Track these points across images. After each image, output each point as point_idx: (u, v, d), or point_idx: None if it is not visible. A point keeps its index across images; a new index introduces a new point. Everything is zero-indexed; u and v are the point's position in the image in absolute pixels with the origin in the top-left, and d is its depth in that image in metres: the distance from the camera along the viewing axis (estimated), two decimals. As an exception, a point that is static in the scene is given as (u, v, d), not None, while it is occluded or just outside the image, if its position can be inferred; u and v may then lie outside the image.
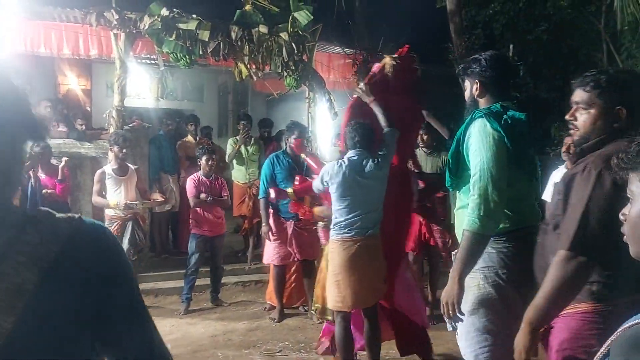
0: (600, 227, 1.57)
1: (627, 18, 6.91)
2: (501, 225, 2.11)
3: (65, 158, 5.45)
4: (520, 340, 1.71)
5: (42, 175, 5.39)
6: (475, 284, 2.15)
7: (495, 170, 2.04)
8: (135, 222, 5.20)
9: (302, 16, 6.36)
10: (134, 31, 5.99)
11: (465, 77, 2.35)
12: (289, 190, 4.41)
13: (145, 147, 6.54)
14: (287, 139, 5.02)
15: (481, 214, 2.03)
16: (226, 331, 4.74)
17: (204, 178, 5.33)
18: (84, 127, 6.60)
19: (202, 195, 5.21)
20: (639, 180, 1.03)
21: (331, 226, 3.53)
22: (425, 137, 4.92)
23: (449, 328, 2.28)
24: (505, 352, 1.90)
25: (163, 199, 5.64)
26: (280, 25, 6.39)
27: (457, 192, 2.35)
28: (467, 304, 2.14)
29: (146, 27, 5.92)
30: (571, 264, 1.60)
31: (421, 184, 4.14)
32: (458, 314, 2.07)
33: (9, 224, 0.85)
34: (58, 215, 0.91)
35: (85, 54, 6.54)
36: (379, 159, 3.45)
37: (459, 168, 2.25)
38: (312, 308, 4.64)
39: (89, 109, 9.01)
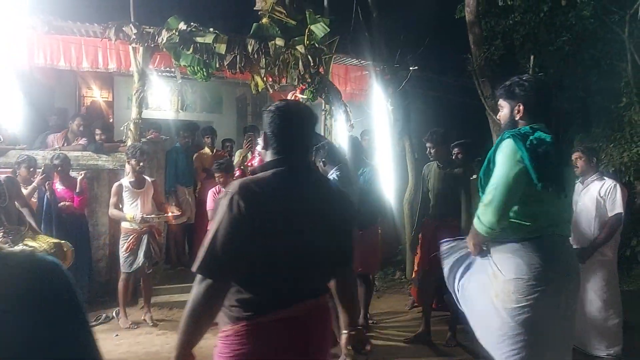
0: (225, 250, 1.61)
1: (653, 27, 6.74)
2: (532, 234, 2.33)
3: (84, 171, 5.50)
4: None
5: (59, 188, 5.45)
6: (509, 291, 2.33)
7: (505, 185, 2.27)
8: (151, 235, 5.20)
9: (319, 29, 6.35)
10: (152, 45, 6.04)
11: (503, 98, 2.53)
12: None
13: (162, 159, 6.58)
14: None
15: (481, 218, 2.34)
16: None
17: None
18: (103, 137, 6.68)
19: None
20: None
21: None
22: (433, 151, 4.78)
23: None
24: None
25: (179, 213, 5.65)
26: (296, 38, 6.38)
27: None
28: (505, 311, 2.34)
29: (164, 41, 5.97)
30: (201, 286, 1.63)
31: None
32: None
33: None
34: (6, 250, 0.88)
35: (104, 67, 6.63)
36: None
37: (485, 184, 2.42)
38: None
39: (111, 120, 9.14)
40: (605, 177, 4.53)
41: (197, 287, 1.65)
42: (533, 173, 2.23)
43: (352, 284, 2.02)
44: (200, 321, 1.66)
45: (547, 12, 7.88)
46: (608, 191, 4.38)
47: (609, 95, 8.12)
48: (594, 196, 4.41)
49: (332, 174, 3.95)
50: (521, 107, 2.44)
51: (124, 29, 5.94)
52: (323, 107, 6.90)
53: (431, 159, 4.89)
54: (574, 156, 4.54)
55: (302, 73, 6.40)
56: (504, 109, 2.53)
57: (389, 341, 4.93)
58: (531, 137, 2.29)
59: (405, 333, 5.01)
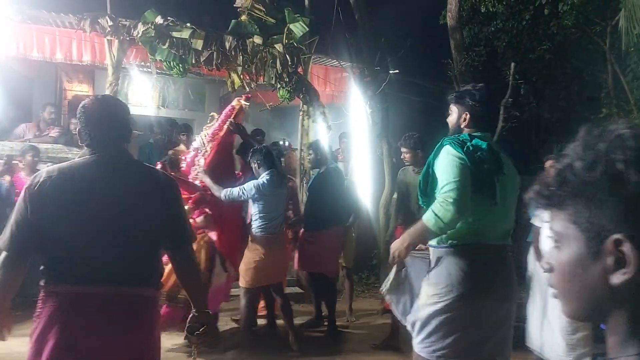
0: (15, 228, 1.86)
1: (633, 40, 6.76)
2: (458, 241, 2.40)
3: (49, 163, 5.38)
4: None
5: (26, 179, 5.33)
6: (435, 300, 2.41)
7: (461, 182, 2.32)
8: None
9: (298, 28, 6.30)
10: (128, 38, 5.96)
11: (453, 104, 2.60)
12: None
13: (135, 155, 6.47)
14: None
15: (438, 215, 2.30)
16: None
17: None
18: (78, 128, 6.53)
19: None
20: (567, 220, 0.76)
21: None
22: (407, 156, 4.74)
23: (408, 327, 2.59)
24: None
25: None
26: (275, 37, 6.32)
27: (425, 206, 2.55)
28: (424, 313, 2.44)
29: (140, 35, 5.88)
30: (0, 257, 1.88)
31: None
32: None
33: None
34: None
35: (79, 59, 6.53)
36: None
37: (427, 187, 2.50)
38: None
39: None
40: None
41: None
42: (472, 177, 2.33)
43: (188, 267, 2.08)
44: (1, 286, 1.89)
45: (530, 21, 7.89)
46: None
47: (590, 105, 8.15)
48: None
49: (263, 177, 4.31)
50: (467, 116, 2.54)
51: (99, 20, 5.86)
52: (301, 108, 6.84)
53: (406, 163, 4.85)
54: (547, 164, 4.50)
55: (279, 72, 6.34)
56: (453, 115, 2.62)
57: (357, 343, 4.88)
58: (468, 144, 2.40)
59: (376, 336, 4.96)
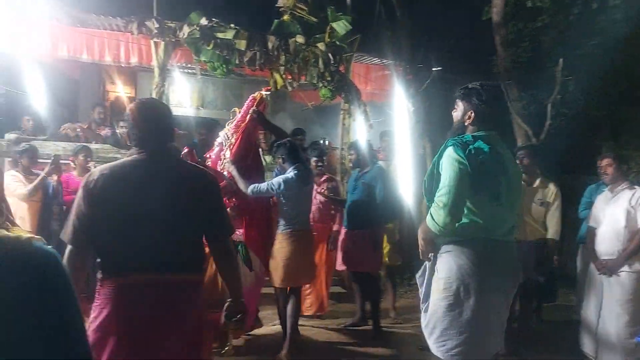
0: (77, 222, 1.98)
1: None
2: (465, 236, 2.49)
3: (93, 163, 5.54)
4: None
5: (78, 179, 5.48)
6: (446, 294, 2.51)
7: (456, 188, 2.39)
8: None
9: (341, 26, 6.28)
10: (173, 40, 6.06)
11: (460, 100, 2.62)
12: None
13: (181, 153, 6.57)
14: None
15: (434, 219, 2.44)
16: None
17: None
18: (124, 131, 6.70)
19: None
20: None
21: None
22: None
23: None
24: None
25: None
26: (317, 36, 6.32)
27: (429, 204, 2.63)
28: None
29: (185, 36, 5.98)
30: (66, 251, 1.99)
31: None
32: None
33: None
34: (2, 234, 0.82)
35: (127, 61, 6.68)
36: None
37: (433, 187, 2.54)
38: None
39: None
40: (636, 186, 4.32)
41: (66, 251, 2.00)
42: (473, 179, 2.40)
43: (227, 258, 2.25)
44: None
45: (578, 15, 7.64)
46: (639, 201, 4.18)
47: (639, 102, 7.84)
48: (624, 206, 4.20)
49: (290, 172, 4.15)
50: (472, 114, 2.55)
51: (146, 23, 5.97)
52: (342, 106, 6.82)
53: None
54: (603, 163, 4.36)
55: (321, 71, 6.34)
56: (458, 111, 2.64)
57: (403, 344, 4.84)
58: (470, 147, 2.44)
59: (422, 337, 4.89)
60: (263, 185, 4.12)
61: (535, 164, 4.64)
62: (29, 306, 0.83)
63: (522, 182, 4.43)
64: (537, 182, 4.64)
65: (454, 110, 2.67)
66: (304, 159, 4.59)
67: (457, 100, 2.64)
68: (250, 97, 4.43)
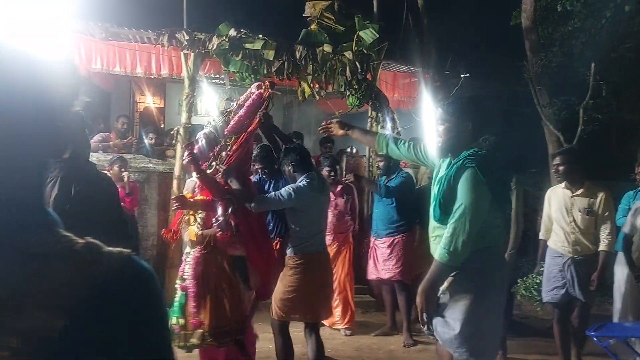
0: None
1: None
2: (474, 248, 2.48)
3: (127, 172, 5.66)
4: None
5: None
6: (467, 302, 2.53)
7: (472, 217, 2.38)
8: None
9: (368, 35, 6.29)
10: (203, 51, 6.15)
11: (450, 115, 2.53)
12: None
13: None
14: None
15: (450, 250, 2.39)
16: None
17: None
18: (153, 141, 6.85)
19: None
20: None
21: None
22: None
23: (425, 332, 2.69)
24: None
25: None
26: (344, 44, 6.34)
27: (439, 224, 2.56)
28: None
29: (214, 47, 6.06)
30: None
31: None
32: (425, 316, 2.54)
33: (31, 254, 0.72)
34: (106, 249, 0.80)
35: (157, 73, 6.81)
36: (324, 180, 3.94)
37: (448, 206, 2.48)
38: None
39: (162, 126, 9.38)
40: (674, 193, 4.20)
41: None
42: (491, 194, 2.45)
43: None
44: None
45: (610, 18, 7.48)
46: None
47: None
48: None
49: (302, 180, 3.59)
50: (471, 125, 2.53)
51: (176, 35, 6.08)
52: (369, 114, 6.81)
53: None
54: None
55: (349, 79, 6.35)
56: (448, 124, 2.54)
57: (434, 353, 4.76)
58: (489, 167, 2.46)
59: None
60: (270, 196, 3.51)
61: (575, 170, 4.15)
62: (123, 329, 0.80)
63: (566, 190, 4.19)
64: (582, 189, 4.16)
65: (441, 125, 2.54)
66: (315, 167, 3.99)
67: (446, 115, 2.53)
68: (257, 93, 3.54)
